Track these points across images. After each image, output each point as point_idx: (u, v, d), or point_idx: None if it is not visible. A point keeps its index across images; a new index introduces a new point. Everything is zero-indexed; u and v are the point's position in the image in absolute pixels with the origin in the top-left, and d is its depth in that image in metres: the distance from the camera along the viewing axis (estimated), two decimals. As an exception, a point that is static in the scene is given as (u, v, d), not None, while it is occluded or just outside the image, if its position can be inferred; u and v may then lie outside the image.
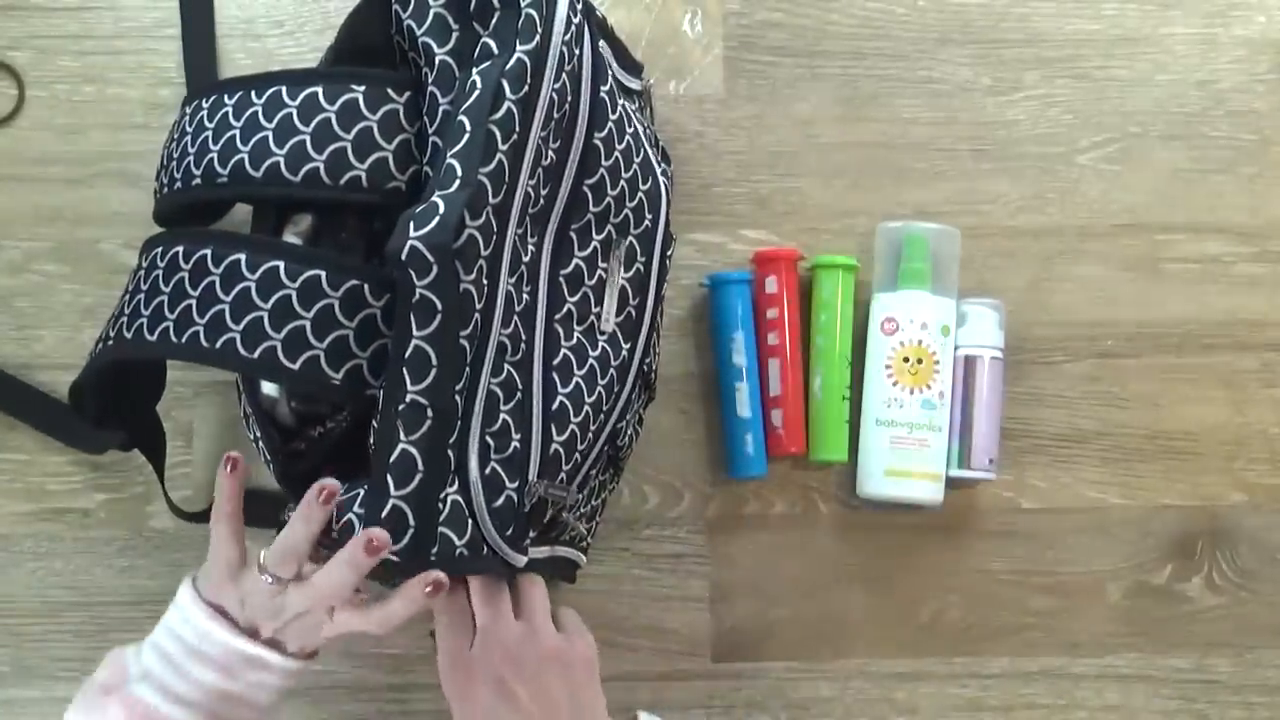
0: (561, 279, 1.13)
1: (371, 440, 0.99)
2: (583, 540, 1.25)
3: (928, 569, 1.40)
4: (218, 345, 1.01)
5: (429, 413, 0.97)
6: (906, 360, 1.35)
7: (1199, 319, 1.43)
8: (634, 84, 1.28)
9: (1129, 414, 1.42)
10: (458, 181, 0.99)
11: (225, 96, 1.13)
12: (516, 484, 1.05)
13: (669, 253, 1.27)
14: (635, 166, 1.19)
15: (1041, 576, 1.40)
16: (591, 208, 1.15)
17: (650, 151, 1.25)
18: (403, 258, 0.95)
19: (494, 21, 1.07)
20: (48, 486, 1.36)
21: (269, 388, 1.11)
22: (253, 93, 1.11)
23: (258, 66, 1.39)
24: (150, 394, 1.31)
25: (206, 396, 1.37)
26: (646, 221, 1.22)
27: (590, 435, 1.16)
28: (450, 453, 0.99)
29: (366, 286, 1.02)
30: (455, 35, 1.09)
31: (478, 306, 1.00)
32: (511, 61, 1.03)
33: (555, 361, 1.11)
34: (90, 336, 1.31)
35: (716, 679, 1.38)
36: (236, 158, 1.09)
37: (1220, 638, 1.40)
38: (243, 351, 1.01)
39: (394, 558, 0.98)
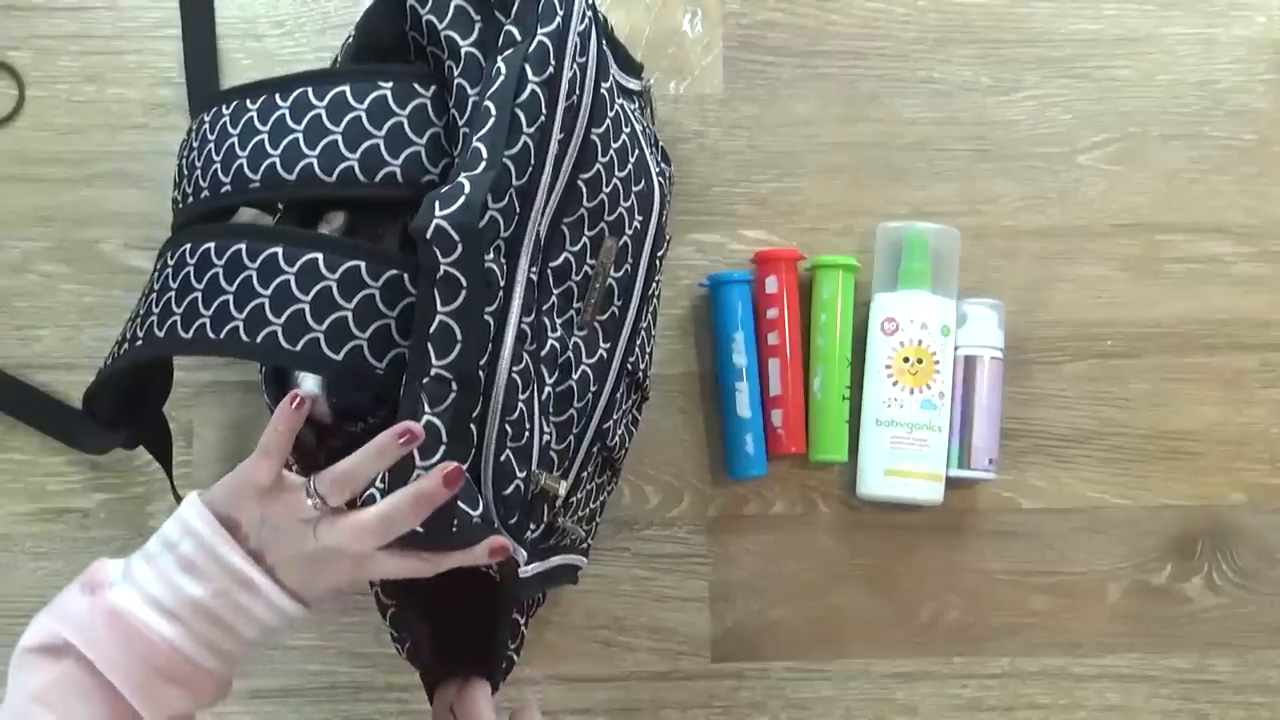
0: (550, 271, 1.20)
1: (398, 417, 1.05)
2: (583, 542, 1.32)
3: (928, 569, 1.49)
4: (259, 339, 1.09)
5: (453, 385, 1.04)
6: (906, 360, 1.44)
7: (1199, 319, 1.52)
8: (633, 85, 1.37)
9: (1129, 414, 1.51)
10: (483, 163, 1.07)
11: (247, 102, 1.21)
12: (524, 474, 1.13)
13: (660, 254, 1.34)
14: (630, 166, 1.27)
15: (1041, 576, 1.49)
16: (585, 202, 1.21)
17: (647, 152, 1.33)
18: (428, 236, 1.03)
19: (515, 8, 1.15)
20: (48, 486, 1.45)
21: (307, 384, 1.17)
22: (277, 96, 1.19)
23: (258, 66, 1.49)
24: (159, 395, 1.38)
25: (206, 397, 1.46)
26: (638, 222, 1.29)
27: (574, 432, 1.24)
28: (473, 427, 1.07)
29: (406, 276, 1.09)
30: (478, 26, 1.17)
31: (500, 285, 1.08)
32: (534, 45, 1.12)
33: (543, 353, 1.18)
34: (90, 336, 1.44)
35: (716, 679, 1.47)
36: (267, 162, 1.17)
37: (1220, 638, 1.50)
38: (285, 344, 1.08)
39: (419, 529, 1.04)
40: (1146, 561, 1.51)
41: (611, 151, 1.24)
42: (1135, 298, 1.53)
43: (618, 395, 1.31)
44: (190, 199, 1.24)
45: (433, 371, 1.05)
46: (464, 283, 1.05)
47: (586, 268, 1.24)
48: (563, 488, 1.17)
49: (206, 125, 1.24)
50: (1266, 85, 1.56)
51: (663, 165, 1.41)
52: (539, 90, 1.12)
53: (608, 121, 1.23)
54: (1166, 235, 1.54)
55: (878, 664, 1.49)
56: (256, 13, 1.51)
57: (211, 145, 1.22)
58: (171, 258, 1.19)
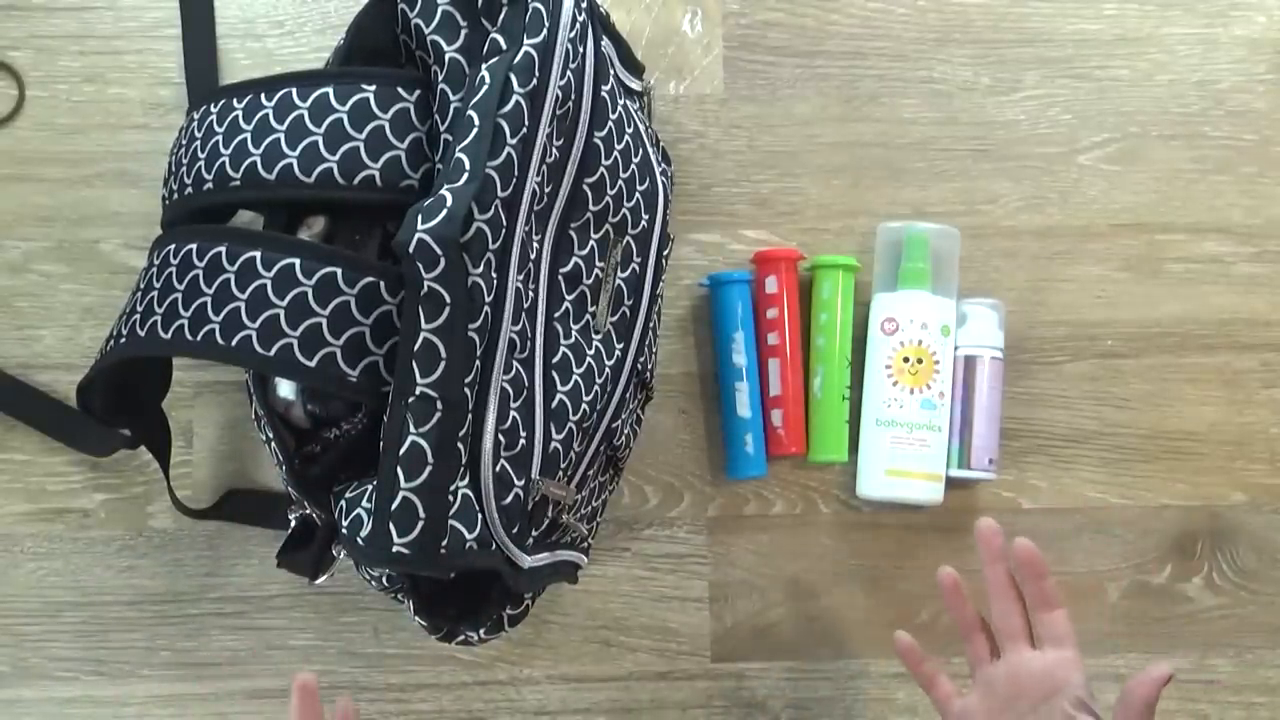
0: (560, 277, 1.15)
1: (382, 435, 1.01)
2: (584, 541, 1.27)
3: (928, 569, 1.44)
4: (234, 343, 1.04)
5: (439, 405, 0.99)
6: (906, 360, 1.38)
7: (1199, 319, 1.47)
8: (635, 84, 1.32)
9: (1129, 414, 1.46)
10: (465, 175, 1.01)
11: (234, 100, 1.16)
12: (523, 482, 1.08)
13: (665, 253, 1.30)
14: (634, 166, 1.22)
15: None
16: (591, 206, 1.17)
17: (650, 151, 1.28)
18: (410, 250, 0.98)
19: (502, 17, 1.10)
20: (48, 486, 1.39)
21: (284, 390, 1.13)
22: (263, 95, 1.14)
23: (258, 66, 1.43)
24: (156, 392, 1.34)
25: (206, 396, 1.41)
26: (644, 222, 1.25)
27: (587, 434, 1.19)
28: (460, 445, 1.01)
29: (382, 283, 1.05)
30: (464, 32, 1.12)
31: (487, 300, 1.02)
32: (519, 55, 1.06)
33: (555, 360, 1.13)
34: (90, 336, 1.38)
35: (716, 679, 1.41)
36: (249, 161, 1.12)
37: (1220, 638, 1.44)
38: (259, 349, 1.03)
39: (405, 550, 0.99)
40: (1146, 561, 1.45)
41: (615, 153, 1.19)
42: (1135, 298, 1.48)
43: (626, 395, 1.26)
44: (175, 195, 1.19)
45: (418, 390, 0.99)
46: (447, 299, 0.99)
47: (597, 271, 1.20)
48: (570, 495, 1.14)
49: (195, 122, 1.20)
50: (1266, 85, 1.51)
51: (663, 164, 1.34)
52: (523, 102, 1.06)
53: (610, 124, 1.18)
54: (1166, 235, 1.48)
55: (878, 664, 1.44)
56: (256, 13, 1.45)
57: (198, 142, 1.18)
58: (157, 257, 1.15)
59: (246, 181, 1.12)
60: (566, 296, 1.17)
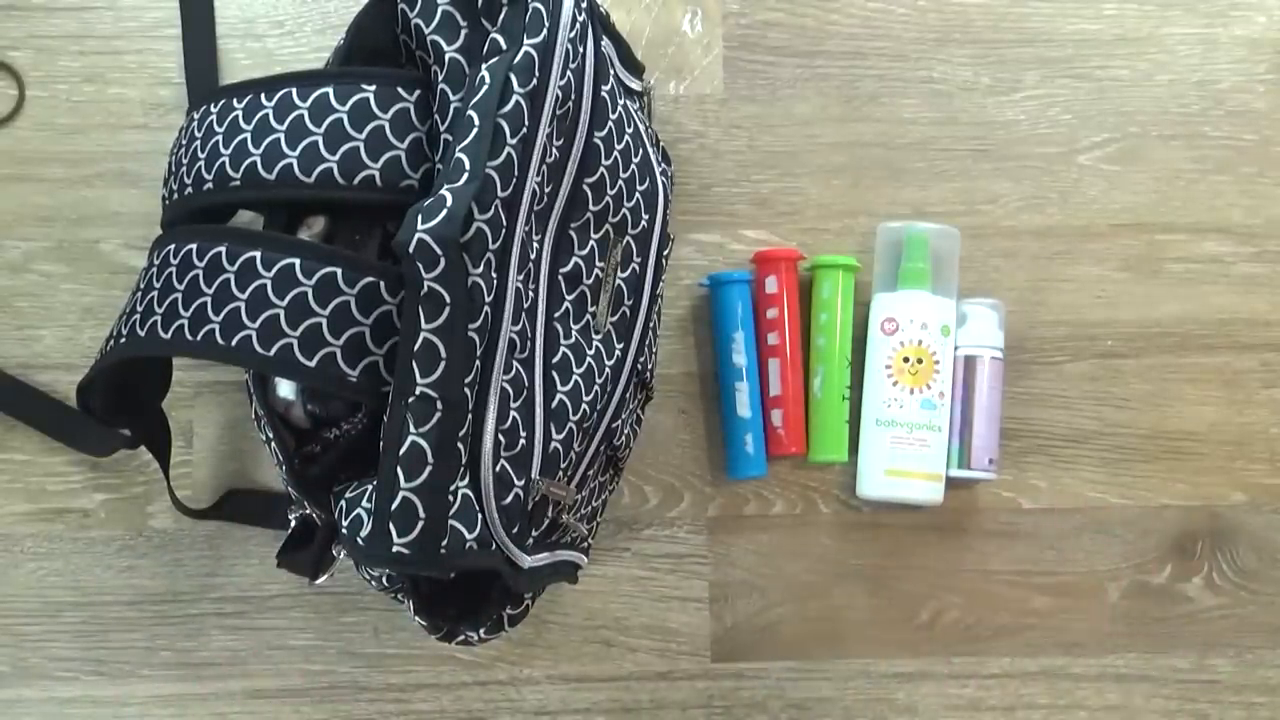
0: (560, 277, 1.15)
1: (382, 435, 1.01)
2: (584, 541, 1.27)
3: (928, 569, 1.43)
4: (234, 343, 1.04)
5: (439, 405, 0.99)
6: (906, 360, 1.38)
7: (1199, 319, 1.46)
8: (635, 84, 1.31)
9: (1129, 414, 1.45)
10: (465, 175, 1.01)
11: (234, 100, 1.15)
12: (523, 482, 1.08)
13: (666, 253, 1.30)
14: (634, 166, 1.22)
15: (1041, 576, 1.43)
16: (591, 206, 1.17)
17: (650, 151, 1.28)
18: (410, 250, 0.97)
19: (502, 17, 1.10)
20: (48, 486, 1.39)
21: (284, 390, 1.13)
22: (263, 95, 1.14)
23: (258, 66, 1.43)
24: (156, 391, 1.33)
25: (206, 396, 1.41)
26: (644, 222, 1.24)
27: (587, 434, 1.19)
28: (460, 445, 1.01)
29: (382, 283, 1.05)
30: (464, 32, 1.12)
31: (487, 300, 1.02)
32: (519, 55, 1.05)
33: (555, 360, 1.13)
34: (90, 336, 1.38)
35: (716, 679, 1.41)
36: (249, 161, 1.11)
37: (1220, 638, 1.44)
38: (259, 349, 1.03)
39: (405, 550, 0.99)
40: (1146, 561, 1.45)
41: (615, 153, 1.19)
42: (1135, 298, 1.47)
43: (626, 395, 1.26)
44: (175, 195, 1.19)
45: (418, 390, 0.99)
46: (447, 299, 0.99)
47: (597, 271, 1.20)
48: (570, 495, 1.14)
49: (195, 122, 1.19)
50: (1266, 85, 1.50)
51: (663, 164, 1.34)
52: (523, 101, 1.05)
53: (610, 124, 1.18)
54: (1166, 235, 1.48)
55: (878, 664, 1.43)
56: (256, 13, 1.45)
57: (198, 142, 1.17)
58: (157, 257, 1.14)
59: (246, 181, 1.12)
60: (566, 296, 1.16)
